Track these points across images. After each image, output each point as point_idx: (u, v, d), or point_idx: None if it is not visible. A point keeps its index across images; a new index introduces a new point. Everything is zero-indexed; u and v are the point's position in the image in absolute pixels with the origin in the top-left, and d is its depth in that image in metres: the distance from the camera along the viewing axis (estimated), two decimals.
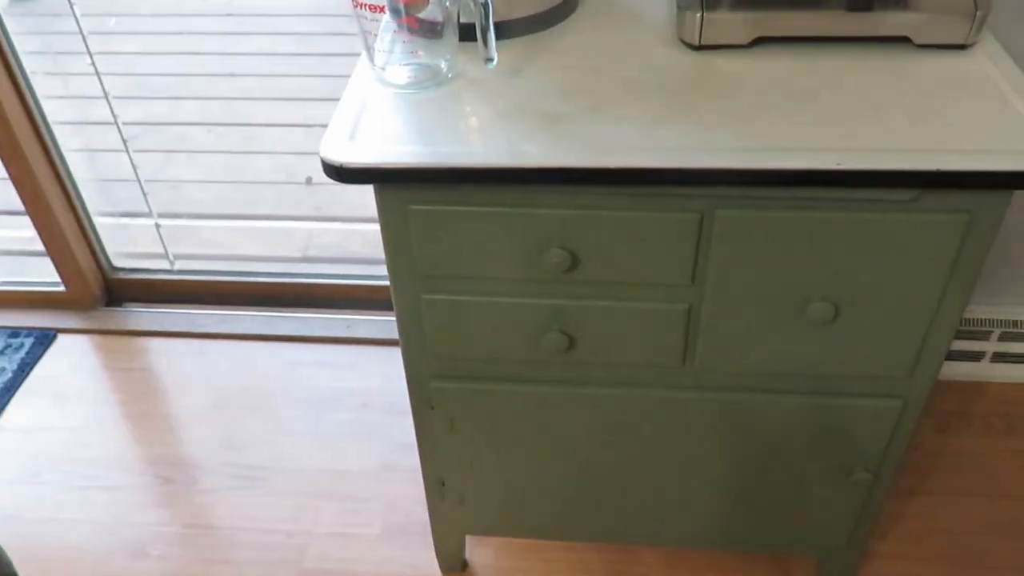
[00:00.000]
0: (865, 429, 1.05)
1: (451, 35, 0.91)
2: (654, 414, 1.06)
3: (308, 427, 1.64)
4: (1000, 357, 1.61)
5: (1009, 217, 1.41)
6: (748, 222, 0.86)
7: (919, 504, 1.47)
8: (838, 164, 0.78)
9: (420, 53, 0.92)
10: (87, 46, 1.73)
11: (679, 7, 0.95)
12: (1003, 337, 1.59)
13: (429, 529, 1.32)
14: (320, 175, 0.84)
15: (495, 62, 0.92)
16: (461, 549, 1.35)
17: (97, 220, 1.85)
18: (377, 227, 0.92)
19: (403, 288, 0.97)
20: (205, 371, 1.77)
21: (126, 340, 1.85)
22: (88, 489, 1.55)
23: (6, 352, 1.79)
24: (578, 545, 1.41)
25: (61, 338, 1.85)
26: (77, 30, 1.71)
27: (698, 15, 0.92)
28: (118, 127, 1.82)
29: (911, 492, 1.49)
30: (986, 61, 0.91)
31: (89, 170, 2.01)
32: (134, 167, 1.86)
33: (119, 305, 1.91)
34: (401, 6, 0.87)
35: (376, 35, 0.89)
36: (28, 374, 1.76)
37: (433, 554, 1.37)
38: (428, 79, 0.93)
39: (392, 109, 0.90)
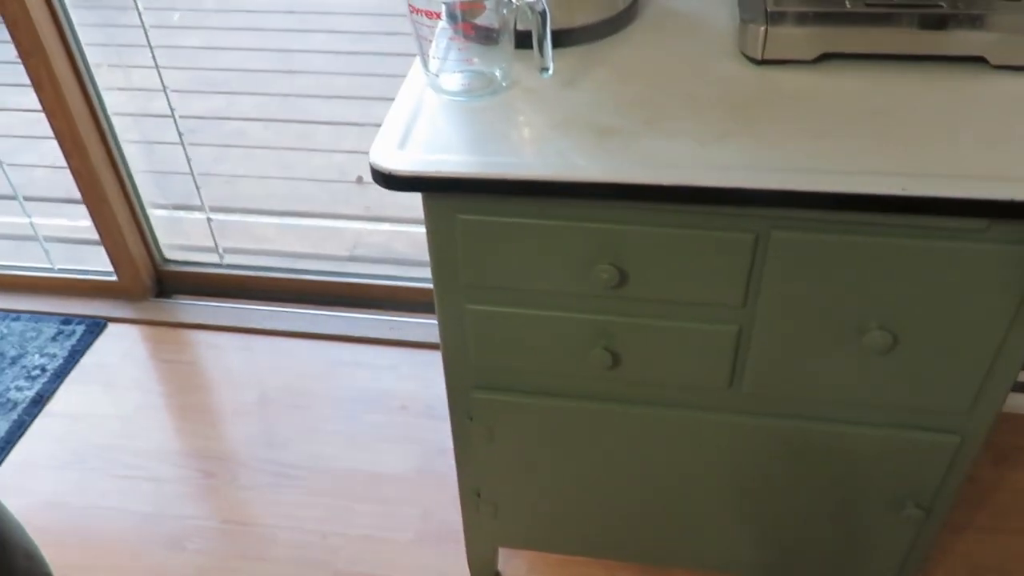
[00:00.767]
0: (919, 464, 1.01)
1: (507, 43, 0.89)
2: (698, 436, 1.03)
3: (347, 427, 1.64)
4: None
5: None
6: (805, 245, 0.83)
7: (969, 541, 1.41)
8: (903, 190, 0.75)
9: (475, 60, 0.90)
10: (148, 39, 1.75)
11: (742, 20, 0.92)
12: None
13: (463, 537, 1.31)
14: (370, 176, 0.84)
15: (551, 72, 0.90)
16: (494, 560, 1.33)
17: (151, 212, 1.88)
18: (424, 229, 0.91)
19: (447, 297, 0.95)
20: (250, 366, 1.79)
21: (174, 332, 1.87)
22: (131, 478, 1.57)
23: (58, 339, 1.83)
24: (613, 563, 1.38)
25: (111, 327, 1.88)
26: (140, 23, 1.74)
27: (762, 28, 0.90)
28: (175, 120, 1.84)
29: (962, 527, 1.43)
30: None
31: (145, 162, 2.04)
32: (188, 160, 1.88)
33: (169, 297, 1.93)
34: (458, 12, 0.86)
35: (431, 41, 0.88)
36: (78, 361, 1.79)
37: (466, 563, 1.36)
38: (482, 87, 0.91)
39: (444, 116, 0.89)
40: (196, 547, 1.45)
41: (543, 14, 0.85)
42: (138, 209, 1.84)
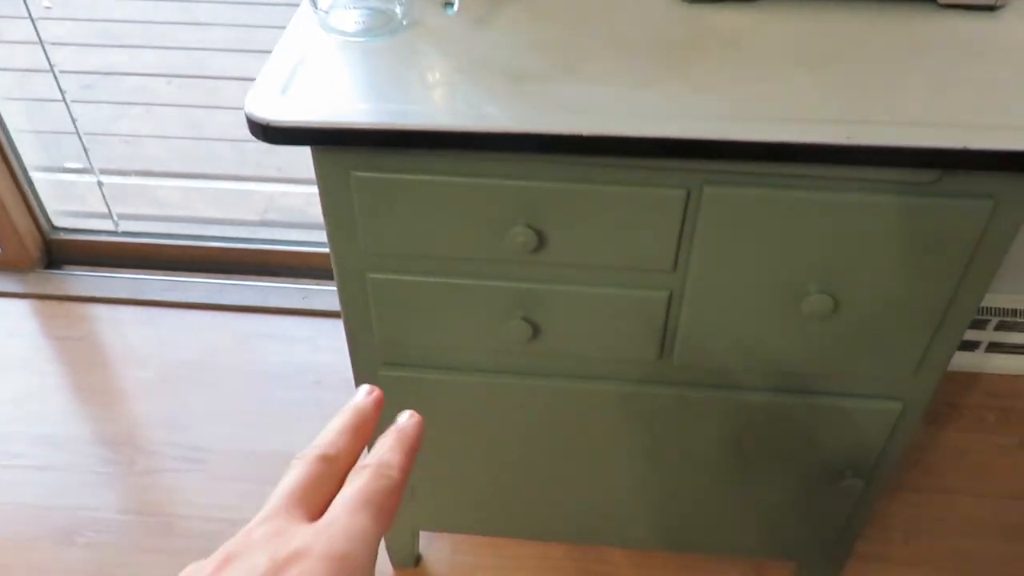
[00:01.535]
0: (859, 432, 0.95)
1: None
2: (625, 411, 0.96)
3: (258, 405, 1.53)
4: (996, 347, 1.53)
5: None
6: (741, 202, 0.75)
7: (904, 502, 1.39)
8: (848, 138, 0.67)
9: None
10: None
11: None
12: (1000, 327, 1.50)
13: None
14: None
15: (456, 7, 0.80)
16: (414, 544, 1.25)
17: (35, 176, 1.71)
18: None
19: (346, 265, 0.85)
20: (150, 342, 1.65)
21: (66, 306, 1.72)
22: (15, 468, 1.43)
23: None
24: (540, 543, 1.31)
25: None
26: None
27: None
28: (54, 75, 1.67)
29: (896, 488, 1.40)
30: (1018, 24, 0.80)
31: (28, 121, 1.85)
32: (73, 119, 1.71)
33: (59, 268, 1.77)
34: None
35: None
36: None
37: (384, 547, 1.27)
38: (379, 26, 0.80)
39: (335, 60, 0.77)
40: (89, 540, 1.33)
41: None
42: (19, 172, 1.67)
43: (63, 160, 1.92)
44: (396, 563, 1.27)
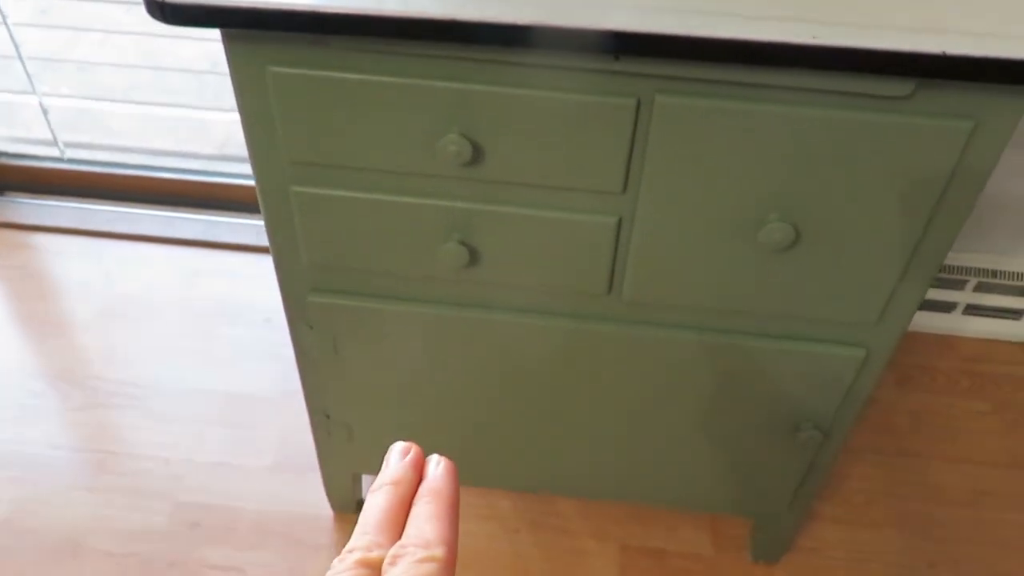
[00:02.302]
0: (819, 381, 0.89)
1: None
2: (571, 349, 0.89)
3: (203, 343, 1.46)
4: (973, 310, 1.47)
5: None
6: (696, 114, 0.67)
7: (869, 464, 1.34)
8: (813, 38, 0.60)
9: None
10: None
11: None
12: (979, 288, 1.44)
13: None
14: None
15: None
16: (355, 488, 1.19)
17: None
18: None
19: (268, 177, 0.77)
20: (93, 273, 1.57)
21: (6, 233, 1.63)
22: None
23: None
24: (488, 489, 1.25)
25: None
26: None
27: None
28: None
29: (862, 450, 1.35)
30: None
31: None
32: (15, 43, 1.61)
33: (1, 194, 1.68)
34: None
35: None
36: None
37: (322, 491, 1.21)
38: None
39: None
40: (13, 475, 1.26)
41: None
42: None
43: (8, 85, 1.82)
44: (336, 507, 1.22)
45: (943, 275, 1.43)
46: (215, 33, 0.67)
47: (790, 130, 0.67)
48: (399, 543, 0.31)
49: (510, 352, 0.91)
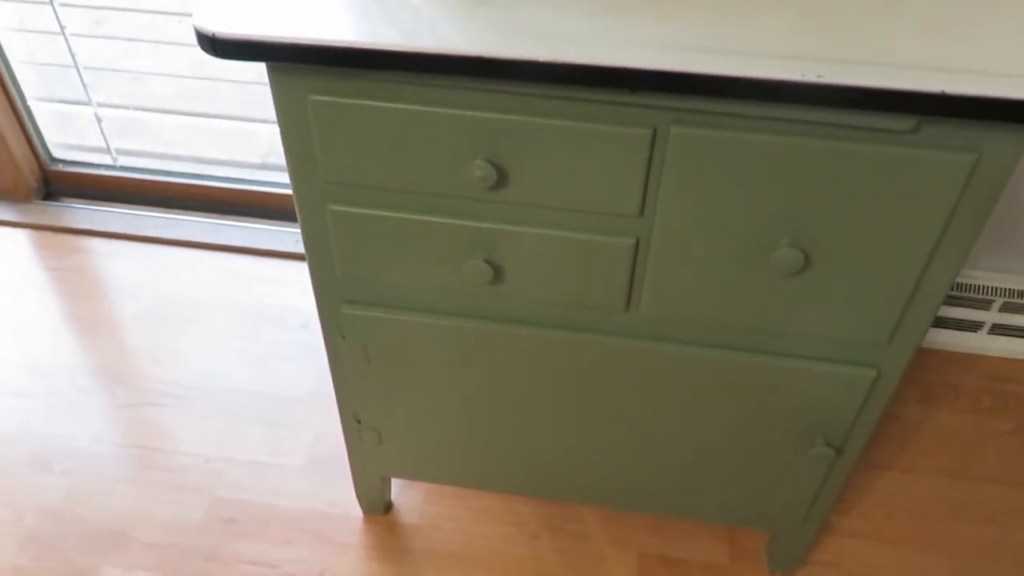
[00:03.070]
0: (831, 399, 0.92)
1: None
2: (590, 362, 0.93)
3: (243, 344, 1.52)
4: (999, 329, 1.48)
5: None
6: (708, 144, 0.71)
7: (890, 480, 1.35)
8: (819, 77, 0.63)
9: None
10: None
11: None
12: (1005, 308, 1.45)
13: None
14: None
15: None
16: (384, 491, 1.24)
17: (34, 107, 1.70)
18: None
19: (307, 196, 0.83)
20: (142, 277, 1.64)
21: (61, 237, 1.72)
22: None
23: None
24: (513, 495, 1.29)
25: None
26: None
27: None
28: (53, 7, 1.65)
29: (884, 465, 1.37)
30: None
31: (29, 54, 1.84)
32: (72, 53, 1.70)
33: (56, 200, 1.77)
34: None
35: None
36: None
37: (352, 493, 1.26)
38: None
39: None
40: (64, 468, 1.33)
41: None
42: (18, 102, 1.66)
43: (64, 94, 1.91)
44: (366, 509, 1.26)
45: (970, 294, 1.44)
46: None
47: (798, 160, 0.71)
48: None
49: (532, 364, 0.95)
